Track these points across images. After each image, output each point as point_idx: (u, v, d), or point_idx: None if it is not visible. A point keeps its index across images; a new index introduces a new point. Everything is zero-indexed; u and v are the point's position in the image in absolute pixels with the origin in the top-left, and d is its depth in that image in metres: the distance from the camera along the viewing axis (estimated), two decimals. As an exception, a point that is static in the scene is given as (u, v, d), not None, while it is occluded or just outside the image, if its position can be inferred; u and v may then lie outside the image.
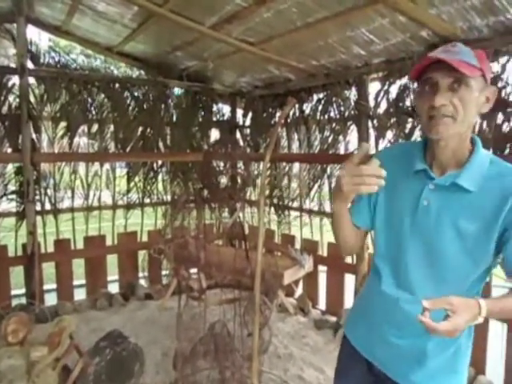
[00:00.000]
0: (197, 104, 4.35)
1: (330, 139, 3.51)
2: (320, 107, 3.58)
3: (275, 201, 4.16)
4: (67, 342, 2.08)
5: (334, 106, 3.44)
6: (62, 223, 3.69)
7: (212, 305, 2.29)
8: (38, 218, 3.49)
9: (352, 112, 3.29)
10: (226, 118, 4.62)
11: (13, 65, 3.51)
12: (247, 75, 3.95)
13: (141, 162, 4.07)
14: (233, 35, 2.99)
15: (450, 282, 1.01)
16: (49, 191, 3.62)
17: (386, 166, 0.88)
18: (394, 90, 2.96)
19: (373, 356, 1.16)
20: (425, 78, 0.97)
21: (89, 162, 3.81)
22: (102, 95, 3.83)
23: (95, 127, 3.82)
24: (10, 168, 3.46)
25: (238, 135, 4.57)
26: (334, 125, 3.47)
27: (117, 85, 3.89)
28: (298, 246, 3.78)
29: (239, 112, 4.60)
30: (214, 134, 4.62)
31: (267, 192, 4.13)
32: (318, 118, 3.60)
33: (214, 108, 4.53)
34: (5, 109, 3.37)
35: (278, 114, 4.08)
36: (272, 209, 4.20)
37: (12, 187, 3.45)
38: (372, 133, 3.14)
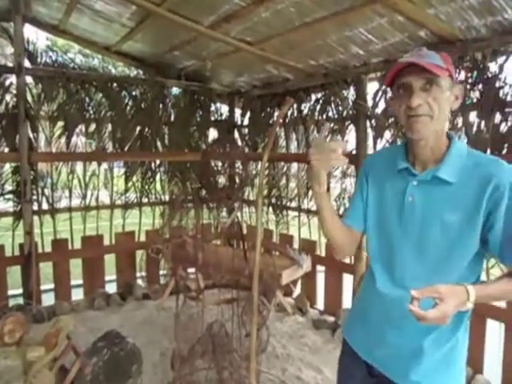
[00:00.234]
0: (195, 103, 4.34)
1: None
2: (318, 107, 3.57)
3: (273, 200, 4.16)
4: (64, 343, 2.08)
5: (332, 105, 3.44)
6: (59, 223, 3.68)
7: (210, 305, 2.29)
8: (36, 217, 3.48)
9: (350, 112, 3.28)
10: (224, 117, 4.61)
11: (10, 64, 3.49)
12: (245, 75, 3.95)
13: (139, 161, 4.07)
14: (231, 35, 2.99)
15: (442, 273, 1.03)
16: (46, 191, 3.61)
17: (374, 168, 0.97)
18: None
19: (372, 358, 1.17)
20: (399, 83, 1.03)
21: (86, 162, 3.80)
22: (100, 94, 3.82)
23: (93, 127, 3.81)
24: (7, 168, 3.45)
25: (236, 135, 4.56)
26: (332, 124, 3.46)
27: (114, 84, 3.88)
28: (296, 245, 3.78)
29: (237, 112, 4.59)
30: (212, 134, 4.62)
31: (265, 192, 4.13)
32: (316, 117, 3.60)
33: (212, 107, 4.52)
34: (2, 108, 3.36)
35: (276, 114, 4.08)
36: (270, 208, 4.19)
37: (9, 187, 3.44)
38: (370, 132, 3.14)
